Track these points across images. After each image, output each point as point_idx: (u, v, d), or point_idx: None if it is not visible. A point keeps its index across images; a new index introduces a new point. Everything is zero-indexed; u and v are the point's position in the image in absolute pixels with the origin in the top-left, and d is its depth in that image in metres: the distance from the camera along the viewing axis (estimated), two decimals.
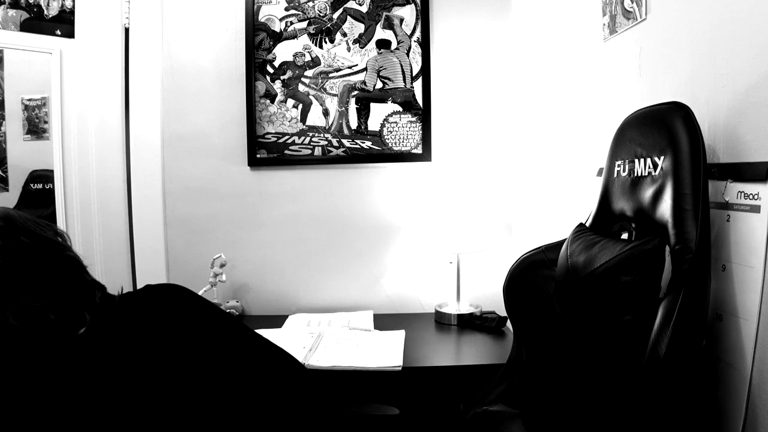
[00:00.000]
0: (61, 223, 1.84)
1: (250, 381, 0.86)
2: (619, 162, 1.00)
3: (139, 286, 1.91)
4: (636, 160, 0.94)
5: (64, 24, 1.84)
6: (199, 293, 1.00)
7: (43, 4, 1.80)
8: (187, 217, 2.00)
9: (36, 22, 1.80)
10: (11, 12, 1.77)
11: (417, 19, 1.95)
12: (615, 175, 1.01)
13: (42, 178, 1.89)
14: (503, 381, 1.22)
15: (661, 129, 0.88)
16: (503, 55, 1.98)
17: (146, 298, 0.90)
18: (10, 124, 1.87)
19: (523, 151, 1.90)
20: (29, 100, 1.89)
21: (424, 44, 1.95)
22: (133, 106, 1.94)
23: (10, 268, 0.77)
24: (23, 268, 0.78)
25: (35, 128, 1.89)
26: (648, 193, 0.90)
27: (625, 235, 1.00)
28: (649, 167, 0.90)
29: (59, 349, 0.79)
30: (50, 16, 1.82)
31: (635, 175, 0.95)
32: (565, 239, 1.10)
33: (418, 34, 1.95)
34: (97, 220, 1.92)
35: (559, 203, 1.57)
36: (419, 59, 1.96)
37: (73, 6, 1.85)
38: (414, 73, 1.97)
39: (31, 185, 1.89)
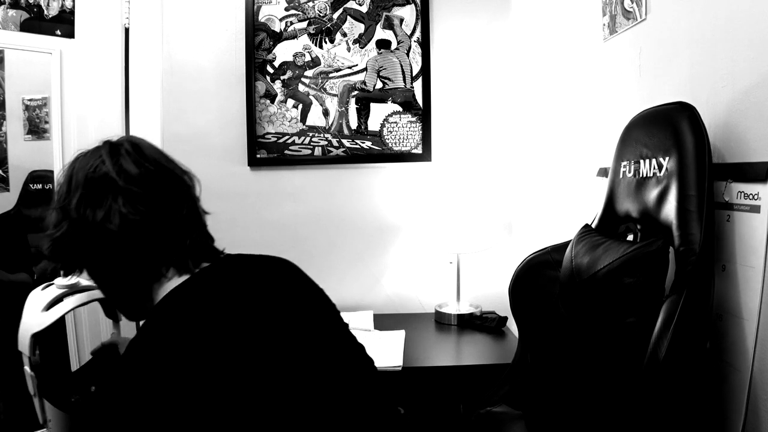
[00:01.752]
0: None
1: (333, 372, 0.83)
2: (624, 163, 0.99)
3: None
4: (641, 161, 0.94)
5: (64, 24, 1.83)
6: None
7: (43, 4, 1.80)
8: None
9: (36, 22, 1.80)
10: (11, 12, 1.76)
11: (417, 19, 1.95)
12: (621, 176, 1.01)
13: (42, 178, 1.88)
14: (507, 382, 1.21)
15: (667, 129, 0.88)
16: (503, 55, 1.98)
17: (253, 262, 0.93)
18: (10, 124, 1.87)
19: (523, 151, 1.90)
20: (30, 100, 1.89)
21: (424, 44, 1.95)
22: (133, 106, 1.94)
23: (125, 184, 0.80)
24: (135, 185, 0.80)
25: (36, 128, 1.89)
26: (653, 194, 0.89)
27: (630, 237, 1.00)
28: (655, 168, 0.90)
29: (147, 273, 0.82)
30: (50, 16, 1.82)
31: (641, 176, 0.94)
32: (568, 240, 1.09)
33: (418, 34, 1.95)
34: None
35: (559, 203, 1.57)
36: (419, 59, 1.96)
37: (73, 6, 1.84)
38: (414, 73, 1.97)
39: (31, 185, 1.89)
